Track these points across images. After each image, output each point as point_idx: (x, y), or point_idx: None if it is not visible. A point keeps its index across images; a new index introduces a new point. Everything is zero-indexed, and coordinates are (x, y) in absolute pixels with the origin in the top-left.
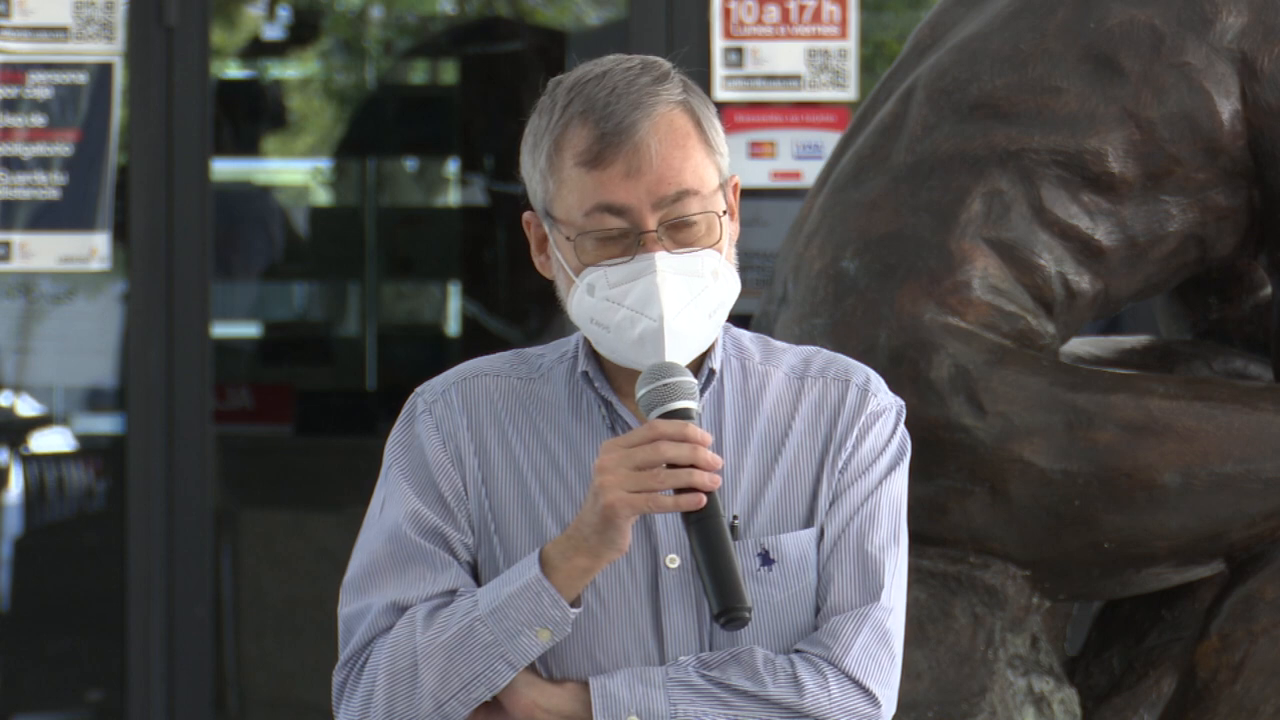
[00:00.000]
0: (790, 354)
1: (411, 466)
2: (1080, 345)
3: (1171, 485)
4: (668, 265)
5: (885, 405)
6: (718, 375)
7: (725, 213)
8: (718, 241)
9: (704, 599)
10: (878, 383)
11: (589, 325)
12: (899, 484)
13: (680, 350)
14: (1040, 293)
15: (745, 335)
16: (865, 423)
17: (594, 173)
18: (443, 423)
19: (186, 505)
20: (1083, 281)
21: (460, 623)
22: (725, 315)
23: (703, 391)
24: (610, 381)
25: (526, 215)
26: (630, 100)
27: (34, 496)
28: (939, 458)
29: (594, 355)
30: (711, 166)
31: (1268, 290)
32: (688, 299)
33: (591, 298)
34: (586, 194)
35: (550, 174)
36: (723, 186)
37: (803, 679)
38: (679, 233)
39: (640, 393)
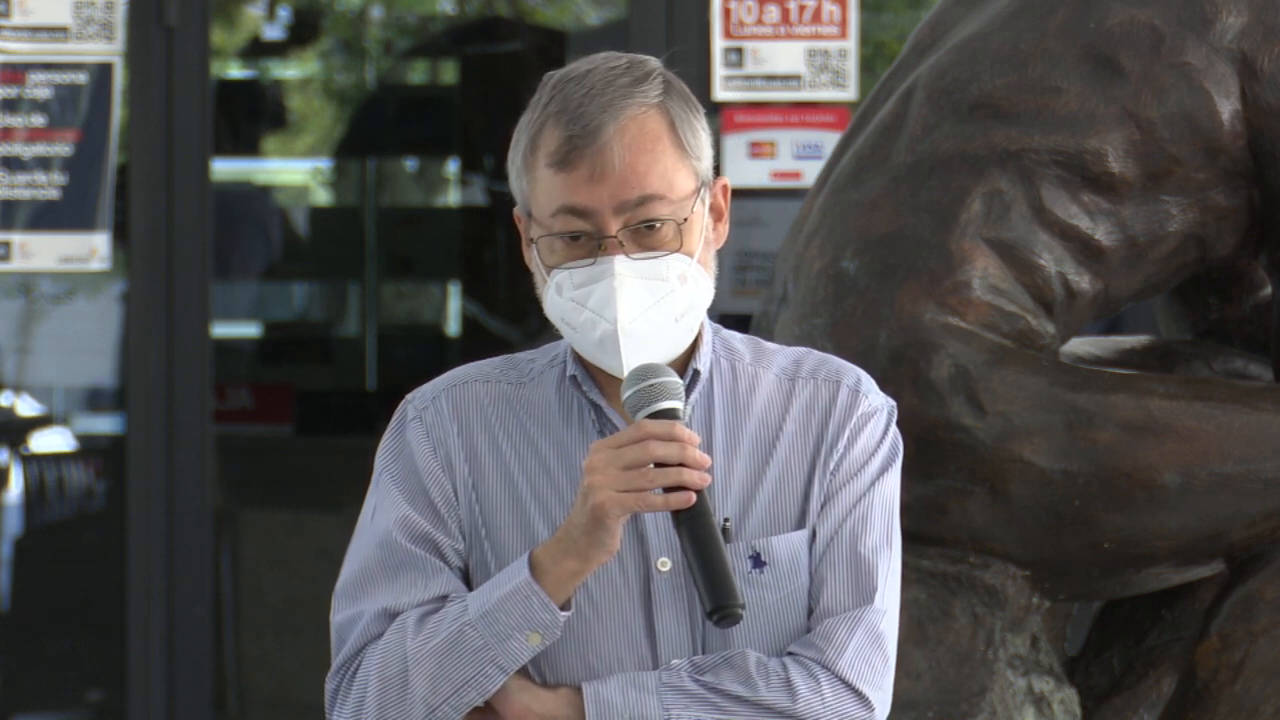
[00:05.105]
0: (781, 355)
1: (402, 473)
2: (1080, 345)
3: (1171, 485)
4: (626, 269)
5: (876, 406)
6: (706, 377)
7: (705, 213)
8: (686, 246)
9: (696, 602)
10: (869, 384)
11: (560, 324)
12: (891, 485)
13: (640, 353)
14: (1040, 293)
15: (736, 337)
16: (856, 424)
17: (561, 175)
18: (433, 429)
19: (186, 505)
20: (1083, 281)
21: (450, 628)
22: (698, 318)
23: (689, 392)
24: (598, 384)
25: (517, 210)
26: (602, 102)
27: (34, 496)
28: (939, 458)
29: (581, 359)
30: (684, 171)
31: (1268, 290)
32: (649, 303)
33: (560, 298)
34: (554, 196)
35: (525, 173)
36: (700, 190)
37: (795, 682)
38: (643, 237)
39: (626, 394)
